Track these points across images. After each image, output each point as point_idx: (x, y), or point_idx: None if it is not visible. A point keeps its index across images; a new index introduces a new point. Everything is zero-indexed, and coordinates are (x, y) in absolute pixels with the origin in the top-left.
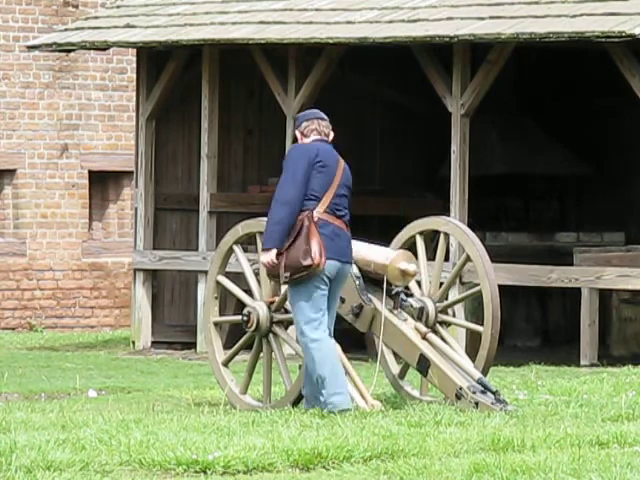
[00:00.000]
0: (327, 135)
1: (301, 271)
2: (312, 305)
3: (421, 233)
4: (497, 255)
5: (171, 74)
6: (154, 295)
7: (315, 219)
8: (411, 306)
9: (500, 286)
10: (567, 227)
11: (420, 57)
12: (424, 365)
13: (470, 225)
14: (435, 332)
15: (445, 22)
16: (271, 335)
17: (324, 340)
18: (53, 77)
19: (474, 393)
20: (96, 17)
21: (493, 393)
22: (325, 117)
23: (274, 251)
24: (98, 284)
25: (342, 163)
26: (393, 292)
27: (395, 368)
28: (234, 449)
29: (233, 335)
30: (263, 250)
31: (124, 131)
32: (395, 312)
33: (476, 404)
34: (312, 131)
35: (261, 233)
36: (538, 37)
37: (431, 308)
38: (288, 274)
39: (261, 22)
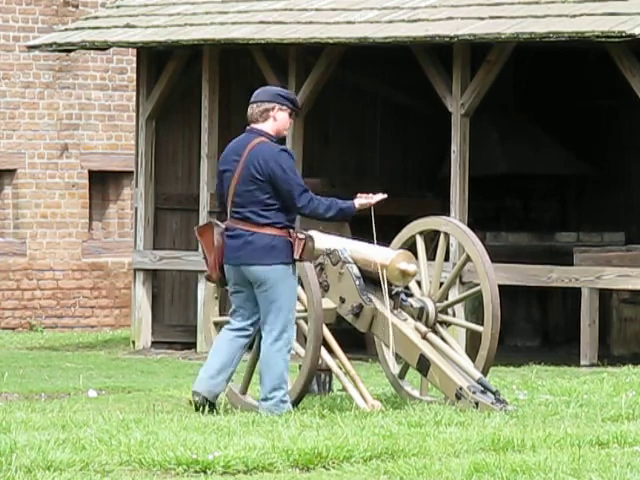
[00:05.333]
0: (257, 120)
1: (207, 279)
2: (232, 303)
3: (421, 233)
4: (497, 255)
5: (171, 74)
6: (154, 295)
7: (224, 226)
8: (411, 306)
9: (500, 286)
10: (567, 227)
11: (420, 57)
12: (424, 365)
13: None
14: (435, 332)
15: (445, 22)
16: None
17: (224, 330)
18: (53, 77)
19: (474, 393)
20: (96, 17)
21: (493, 393)
22: (263, 98)
23: None
24: (98, 284)
25: (246, 153)
26: (393, 292)
27: (395, 368)
28: (234, 449)
29: None
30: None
31: (124, 131)
32: (395, 312)
33: (476, 404)
34: (247, 118)
35: None
36: (538, 37)
37: (431, 308)
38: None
39: (261, 22)
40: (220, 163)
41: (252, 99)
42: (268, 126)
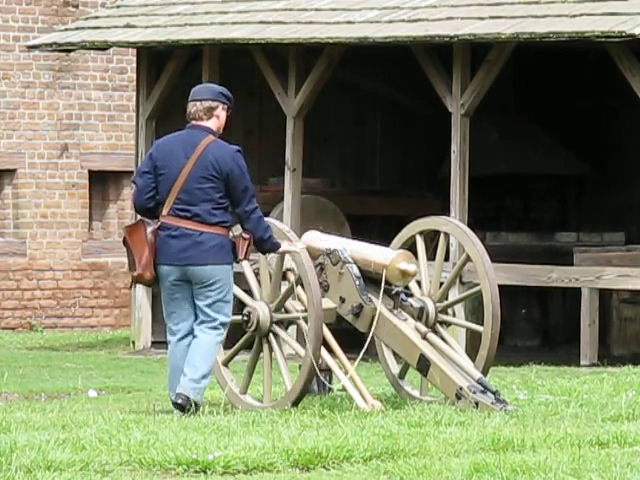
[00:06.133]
0: (201, 118)
1: (134, 281)
2: (166, 309)
3: (421, 233)
4: (497, 255)
5: (171, 74)
6: (154, 295)
7: (158, 224)
8: (411, 306)
9: (500, 286)
10: (567, 227)
11: (420, 57)
12: (424, 365)
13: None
14: (435, 332)
15: (445, 22)
16: (271, 335)
17: (172, 344)
18: (53, 77)
19: (474, 393)
20: (96, 17)
21: (493, 393)
22: (207, 96)
23: None
24: (98, 284)
25: (200, 150)
26: (393, 292)
27: (395, 368)
28: (234, 449)
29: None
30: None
31: (124, 131)
32: (395, 312)
33: (476, 404)
34: (188, 116)
35: None
36: (538, 37)
37: (431, 308)
38: (131, 281)
39: (261, 22)
40: (159, 158)
41: (195, 96)
42: (212, 124)
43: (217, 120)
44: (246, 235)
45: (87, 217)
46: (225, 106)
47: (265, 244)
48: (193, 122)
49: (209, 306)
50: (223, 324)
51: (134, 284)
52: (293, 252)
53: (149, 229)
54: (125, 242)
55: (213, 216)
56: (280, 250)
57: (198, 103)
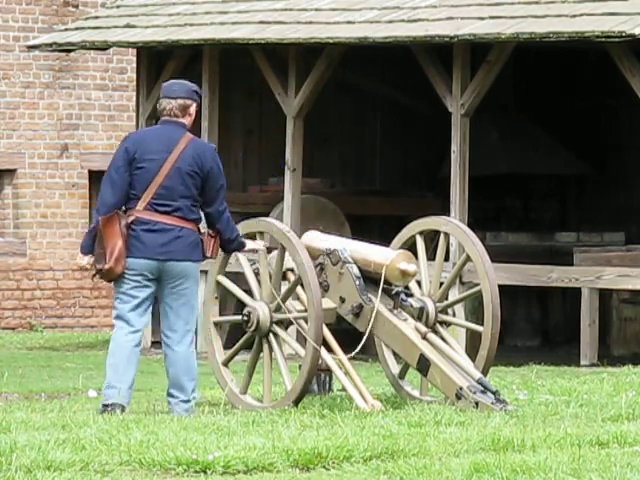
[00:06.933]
0: (177, 115)
1: (98, 274)
2: (121, 302)
3: (421, 233)
4: (497, 255)
5: (171, 74)
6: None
7: (130, 219)
8: (411, 306)
9: (500, 286)
10: (567, 227)
11: (420, 57)
12: (424, 365)
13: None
14: (435, 332)
15: (445, 22)
16: (271, 335)
17: (121, 336)
18: (53, 77)
19: (474, 393)
20: (96, 17)
21: (493, 393)
22: (181, 94)
23: (87, 257)
24: (98, 284)
25: (182, 146)
26: (393, 292)
27: (395, 368)
28: (234, 449)
29: (233, 335)
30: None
31: (124, 131)
32: (395, 312)
33: (476, 404)
34: (162, 112)
35: (261, 233)
36: (538, 37)
37: (431, 308)
38: (93, 273)
39: (261, 22)
40: (136, 152)
41: (169, 93)
42: (187, 121)
43: (190, 118)
44: (213, 233)
45: (87, 217)
46: (196, 103)
47: (233, 244)
48: (167, 118)
49: (180, 308)
50: (193, 332)
51: (97, 277)
52: (258, 250)
53: (123, 222)
54: (96, 234)
55: (192, 212)
56: (245, 249)
57: (173, 101)
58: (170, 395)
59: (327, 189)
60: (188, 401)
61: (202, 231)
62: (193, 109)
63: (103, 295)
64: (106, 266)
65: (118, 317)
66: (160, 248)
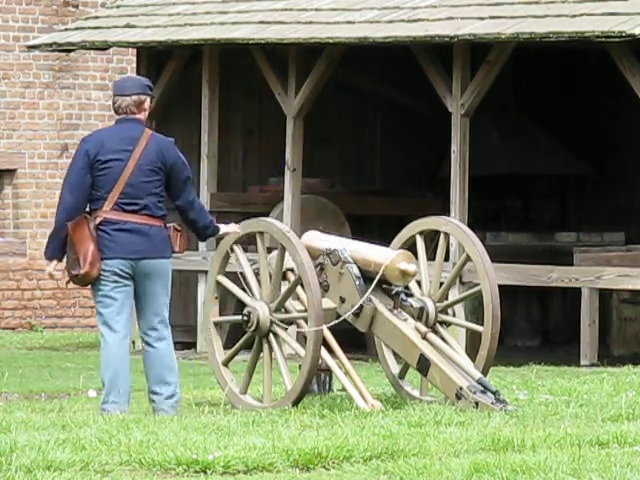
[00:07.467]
0: (133, 112)
1: (73, 280)
2: (104, 305)
3: (421, 233)
4: (497, 255)
5: (171, 74)
6: None
7: (97, 220)
8: (411, 306)
9: (500, 286)
10: (567, 227)
11: (420, 57)
12: (424, 365)
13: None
14: (435, 332)
15: (445, 22)
16: (271, 335)
17: (113, 346)
18: (53, 77)
19: (474, 393)
20: (96, 17)
21: (493, 393)
22: (136, 90)
23: (52, 263)
24: None
25: (144, 143)
26: (393, 292)
27: (395, 368)
28: (234, 449)
29: (233, 335)
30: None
31: None
32: (395, 312)
33: (476, 404)
34: (117, 110)
35: (261, 233)
36: (538, 37)
37: (431, 308)
38: (67, 279)
39: (261, 22)
40: (98, 154)
41: (123, 90)
42: (143, 116)
43: (145, 112)
44: (178, 227)
45: None
46: (150, 97)
47: (208, 230)
48: (124, 116)
49: (159, 305)
50: (169, 327)
51: (71, 283)
52: (233, 233)
53: (92, 225)
54: (57, 239)
55: (159, 209)
56: (221, 232)
57: (128, 97)
58: (154, 393)
59: (327, 189)
60: (173, 396)
61: (167, 226)
62: (147, 103)
63: None
64: (81, 271)
65: (105, 324)
66: (132, 247)
